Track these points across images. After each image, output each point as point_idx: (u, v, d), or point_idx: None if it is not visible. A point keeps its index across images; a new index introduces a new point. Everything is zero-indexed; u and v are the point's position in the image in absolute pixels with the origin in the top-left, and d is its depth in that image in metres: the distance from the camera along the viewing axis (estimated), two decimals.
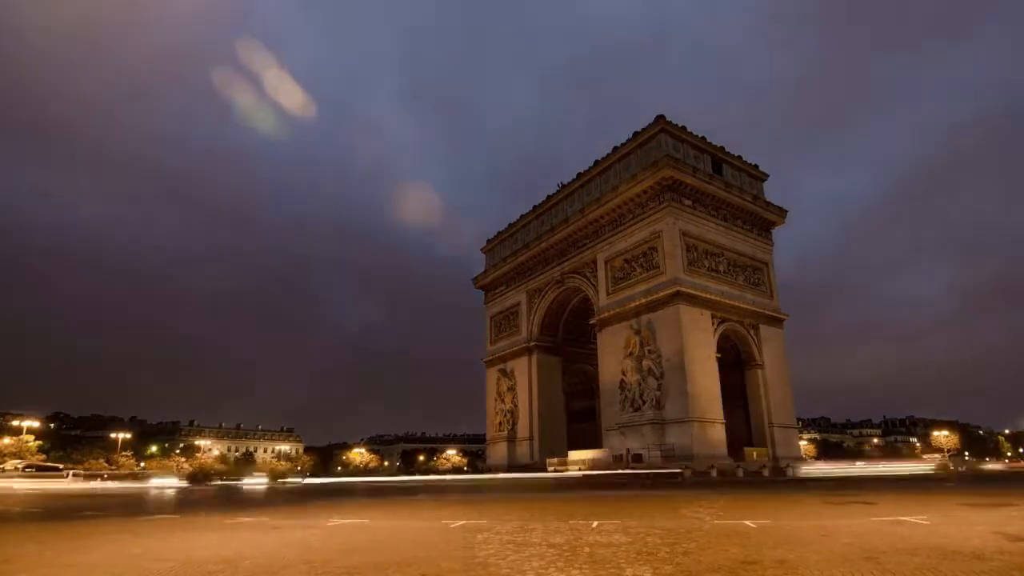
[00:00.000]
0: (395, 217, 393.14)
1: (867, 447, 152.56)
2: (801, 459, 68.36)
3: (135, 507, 26.13)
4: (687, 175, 63.01)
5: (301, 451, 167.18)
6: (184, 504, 28.57)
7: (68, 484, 51.44)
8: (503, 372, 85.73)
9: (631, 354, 61.55)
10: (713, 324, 61.07)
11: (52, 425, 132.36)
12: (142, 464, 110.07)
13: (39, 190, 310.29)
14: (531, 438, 78.49)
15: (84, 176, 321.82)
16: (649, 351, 59.91)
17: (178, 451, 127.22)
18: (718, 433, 57.30)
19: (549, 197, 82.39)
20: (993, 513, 14.93)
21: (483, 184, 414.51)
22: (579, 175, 76.45)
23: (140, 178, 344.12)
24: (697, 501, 20.95)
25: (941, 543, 9.44)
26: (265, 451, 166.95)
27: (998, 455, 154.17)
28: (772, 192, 74.07)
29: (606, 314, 66.43)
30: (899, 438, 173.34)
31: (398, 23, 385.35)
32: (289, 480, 70.52)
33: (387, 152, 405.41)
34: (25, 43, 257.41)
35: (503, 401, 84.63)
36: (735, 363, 65.26)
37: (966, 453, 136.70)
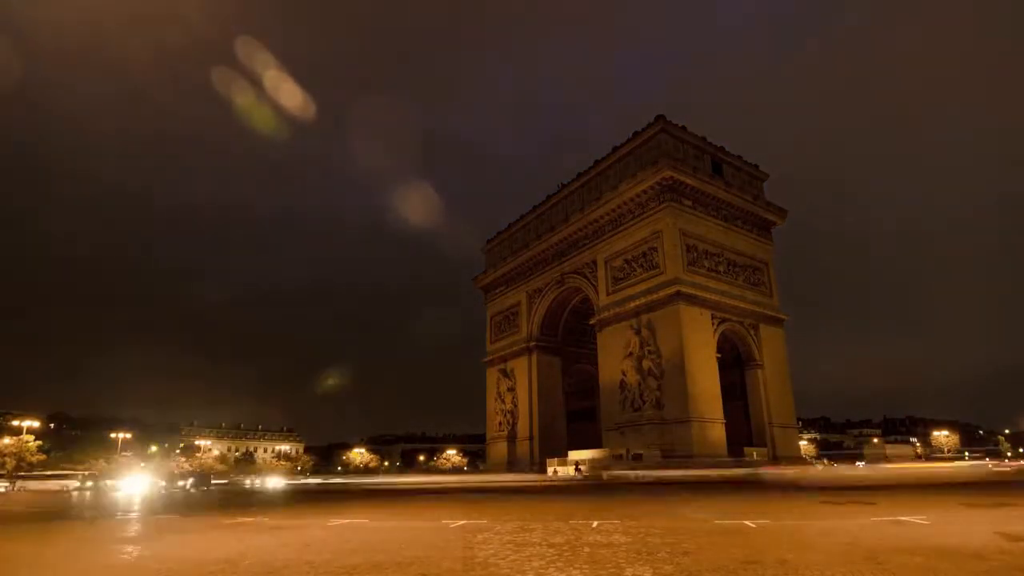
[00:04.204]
0: (396, 216, 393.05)
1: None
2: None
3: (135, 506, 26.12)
4: (687, 175, 62.98)
5: (301, 451, 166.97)
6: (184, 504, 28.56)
7: None
8: (503, 372, 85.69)
9: (631, 354, 61.52)
10: (713, 324, 61.04)
11: (52, 425, 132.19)
12: (142, 464, 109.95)
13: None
14: (531, 438, 78.46)
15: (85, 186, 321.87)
16: (649, 351, 59.88)
17: (178, 451, 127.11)
18: (718, 433, 57.27)
19: (549, 197, 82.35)
20: (993, 513, 14.92)
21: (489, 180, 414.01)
22: (579, 175, 76.40)
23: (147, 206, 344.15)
24: (697, 501, 20.94)
25: (941, 543, 9.42)
26: (265, 451, 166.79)
27: (998, 455, 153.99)
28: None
29: (606, 314, 66.39)
30: (899, 438, 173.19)
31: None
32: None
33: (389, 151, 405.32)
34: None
35: (503, 401, 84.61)
36: (735, 363, 65.23)
37: (966, 453, 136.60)
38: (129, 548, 11.88)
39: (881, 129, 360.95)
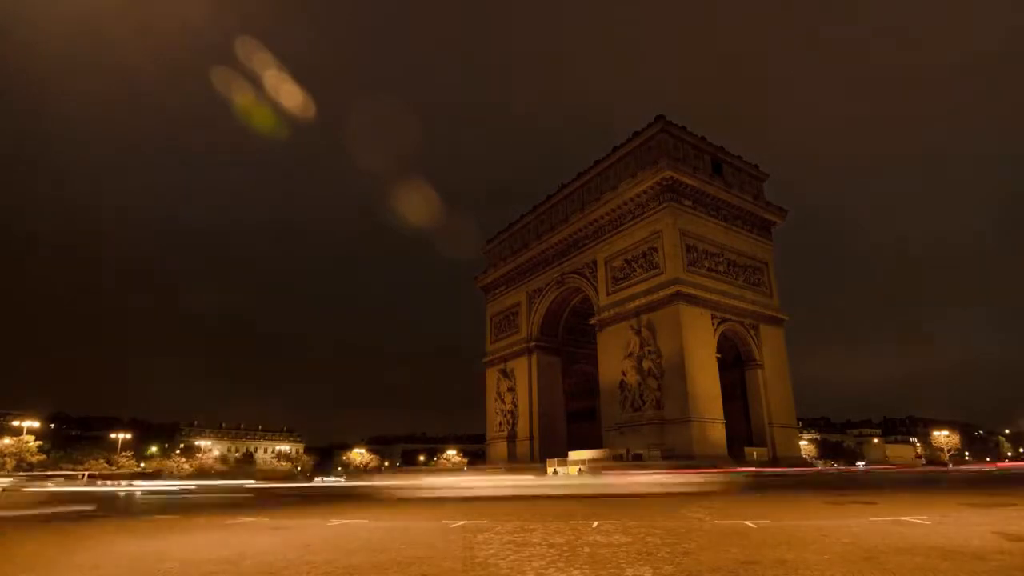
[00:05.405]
0: (396, 215, 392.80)
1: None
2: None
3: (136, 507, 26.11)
4: (687, 175, 62.98)
5: (301, 451, 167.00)
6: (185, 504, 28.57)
7: None
8: (503, 372, 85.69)
9: (631, 354, 61.51)
10: (713, 324, 61.03)
11: (52, 425, 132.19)
12: (142, 465, 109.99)
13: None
14: (531, 438, 78.47)
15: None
16: (649, 351, 59.88)
17: (178, 451, 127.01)
18: (718, 433, 57.27)
19: (549, 197, 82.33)
20: (993, 513, 14.92)
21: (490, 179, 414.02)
22: (579, 175, 76.39)
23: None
24: (697, 501, 20.95)
25: (941, 543, 9.44)
26: (265, 451, 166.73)
27: (998, 455, 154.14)
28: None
29: (606, 314, 66.38)
30: (899, 438, 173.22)
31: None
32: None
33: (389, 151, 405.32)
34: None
35: (503, 401, 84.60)
36: (735, 363, 65.21)
37: (966, 453, 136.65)
38: (129, 548, 11.89)
39: (882, 128, 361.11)
